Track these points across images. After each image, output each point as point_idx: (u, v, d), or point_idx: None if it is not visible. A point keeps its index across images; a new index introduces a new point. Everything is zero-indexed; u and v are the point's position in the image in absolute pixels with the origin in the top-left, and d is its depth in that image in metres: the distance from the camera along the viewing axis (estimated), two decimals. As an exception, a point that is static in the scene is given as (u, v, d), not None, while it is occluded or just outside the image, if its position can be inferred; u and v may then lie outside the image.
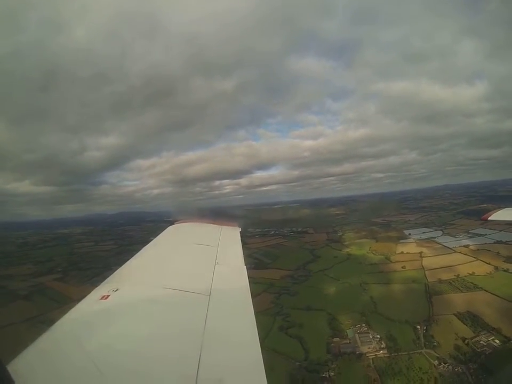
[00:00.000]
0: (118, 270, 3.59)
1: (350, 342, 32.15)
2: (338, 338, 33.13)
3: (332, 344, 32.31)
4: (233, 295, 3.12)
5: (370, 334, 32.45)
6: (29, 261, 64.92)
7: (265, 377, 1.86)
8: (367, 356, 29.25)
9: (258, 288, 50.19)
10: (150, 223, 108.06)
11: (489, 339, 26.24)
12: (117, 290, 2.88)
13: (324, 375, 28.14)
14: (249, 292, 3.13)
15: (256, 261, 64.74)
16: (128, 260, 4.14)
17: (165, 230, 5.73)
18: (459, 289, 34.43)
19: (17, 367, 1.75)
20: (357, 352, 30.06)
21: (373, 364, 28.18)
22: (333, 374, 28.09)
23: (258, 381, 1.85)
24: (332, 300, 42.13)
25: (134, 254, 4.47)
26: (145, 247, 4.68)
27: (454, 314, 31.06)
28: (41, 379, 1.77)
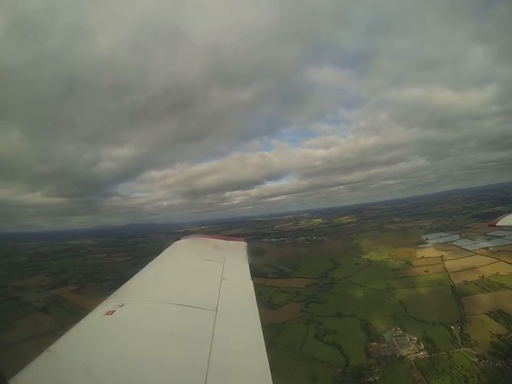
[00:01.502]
0: (123, 285, 3.62)
1: (388, 346, 33.59)
2: (376, 343, 34.54)
3: (371, 349, 33.71)
4: (240, 310, 3.15)
5: (407, 337, 33.98)
6: (41, 272, 65.12)
7: None
8: (408, 358, 30.71)
9: (285, 297, 51.69)
10: (160, 234, 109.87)
11: (524, 335, 28.02)
12: (122, 305, 2.87)
13: (369, 379, 29.50)
14: (256, 306, 3.15)
15: (277, 270, 66.24)
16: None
17: (171, 245, 5.83)
18: (486, 289, 36.26)
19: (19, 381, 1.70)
20: (398, 355, 31.53)
21: (415, 365, 29.61)
22: (377, 378, 29.43)
23: None
24: (361, 306, 43.49)
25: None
26: (151, 262, 4.74)
27: (485, 313, 32.77)
28: None
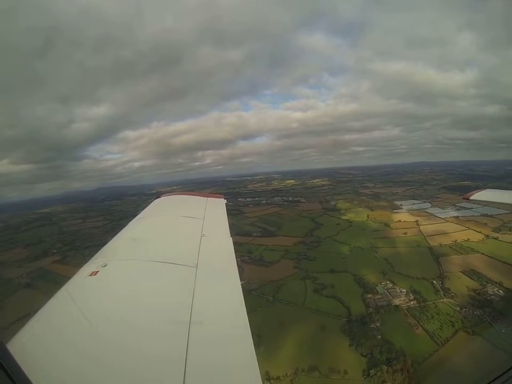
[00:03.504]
0: (105, 246, 3.70)
1: (382, 297, 38.14)
2: (371, 295, 38.97)
3: (367, 300, 38.09)
4: (219, 266, 3.23)
5: (397, 289, 38.97)
6: (17, 245, 60.08)
7: (252, 341, 2.03)
8: (402, 307, 35.56)
9: (276, 255, 53.59)
10: (132, 196, 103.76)
11: (494, 290, 34.54)
12: (105, 265, 2.92)
13: (372, 326, 33.58)
14: (235, 262, 3.25)
15: (260, 229, 67.62)
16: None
17: (151, 203, 5.85)
18: (459, 252, 42.87)
19: (15, 346, 1.82)
20: (392, 305, 36.25)
21: (408, 313, 34.52)
22: (378, 324, 33.71)
23: (246, 344, 2.01)
24: (350, 262, 47.66)
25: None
26: (131, 221, 4.77)
27: (460, 271, 39.06)
28: (40, 355, 1.83)
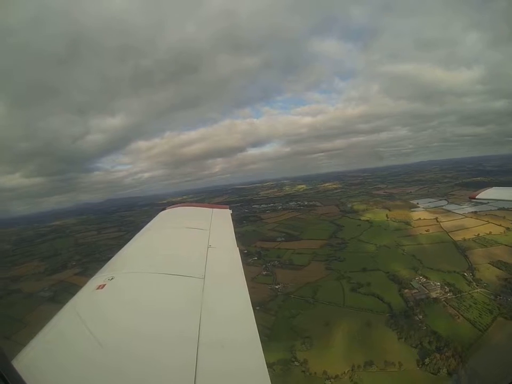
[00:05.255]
0: (112, 259, 3.72)
1: (418, 291, 40.55)
2: (407, 290, 41.40)
3: (405, 295, 40.49)
4: (227, 277, 3.25)
5: (431, 283, 41.49)
6: (33, 258, 60.64)
7: (262, 351, 2.07)
8: (440, 299, 38.04)
9: (305, 258, 55.70)
10: (144, 207, 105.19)
11: (524, 278, 37.35)
12: (112, 278, 2.94)
13: (416, 318, 35.94)
14: (243, 272, 3.26)
15: (283, 234, 69.65)
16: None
17: (157, 216, 5.94)
18: (484, 245, 45.65)
19: (21, 363, 1.81)
20: (430, 297, 38.72)
21: (447, 304, 37.01)
22: (421, 316, 36.05)
23: (256, 355, 2.05)
24: (380, 261, 50.05)
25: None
26: (138, 233, 4.84)
27: (488, 263, 41.75)
28: (46, 371, 1.82)
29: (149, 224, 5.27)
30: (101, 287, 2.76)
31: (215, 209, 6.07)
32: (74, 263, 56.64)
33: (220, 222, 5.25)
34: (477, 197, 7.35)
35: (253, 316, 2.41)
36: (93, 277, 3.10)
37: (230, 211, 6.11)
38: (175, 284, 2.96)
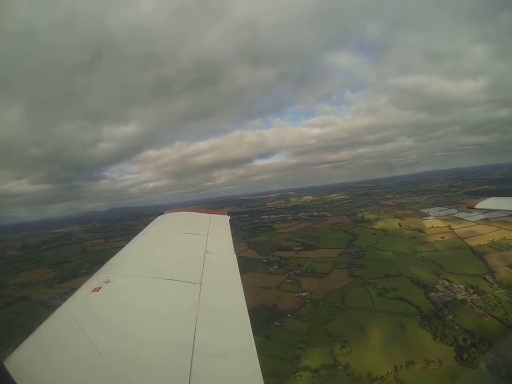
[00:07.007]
0: (108, 262, 3.72)
1: (444, 294, 42.74)
2: (433, 293, 43.50)
3: (432, 298, 42.50)
4: (224, 283, 3.26)
5: (455, 285, 43.73)
6: (41, 265, 60.91)
7: (257, 358, 2.05)
8: (466, 300, 40.24)
9: (326, 266, 57.41)
10: (150, 217, 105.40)
11: (542, 278, 40.12)
12: (108, 281, 2.94)
13: (448, 319, 37.91)
14: (240, 279, 3.26)
15: (299, 243, 71.42)
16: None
17: (155, 220, 5.91)
18: (500, 250, 48.47)
19: (13, 364, 1.80)
20: (457, 299, 40.90)
21: (474, 304, 39.22)
22: (451, 317, 38.07)
23: (251, 362, 2.03)
24: (401, 267, 52.06)
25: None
26: (135, 237, 4.83)
27: (506, 266, 44.48)
28: (38, 373, 1.81)
29: (146, 227, 5.31)
30: (97, 289, 2.78)
31: (213, 215, 6.08)
32: (85, 271, 55.57)
33: (218, 228, 5.27)
34: (475, 206, 7.46)
35: (249, 323, 2.42)
36: (89, 280, 3.10)
37: (228, 217, 6.09)
38: (171, 288, 2.98)
